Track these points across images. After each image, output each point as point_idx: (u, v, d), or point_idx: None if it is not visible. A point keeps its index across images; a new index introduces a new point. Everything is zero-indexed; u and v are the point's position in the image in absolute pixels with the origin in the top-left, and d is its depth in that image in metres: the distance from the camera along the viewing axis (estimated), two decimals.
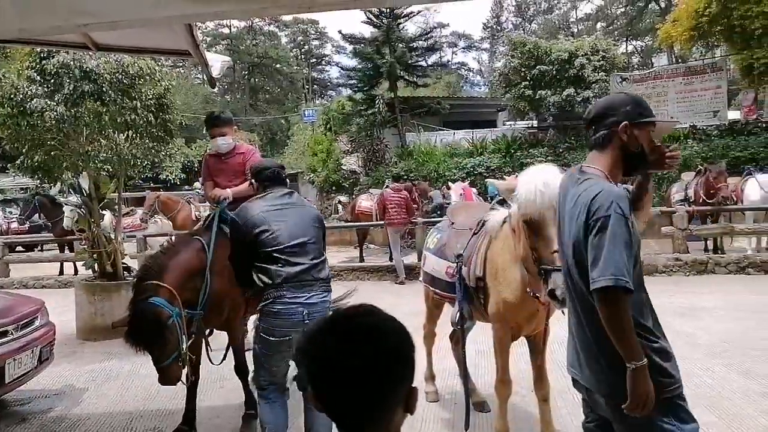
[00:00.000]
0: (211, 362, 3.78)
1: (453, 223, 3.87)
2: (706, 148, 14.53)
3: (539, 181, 2.67)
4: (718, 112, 15.66)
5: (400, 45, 20.03)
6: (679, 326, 6.07)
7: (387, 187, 11.70)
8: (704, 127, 15.74)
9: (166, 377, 3.24)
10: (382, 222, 11.34)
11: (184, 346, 3.27)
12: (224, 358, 3.85)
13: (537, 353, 3.37)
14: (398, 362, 1.09)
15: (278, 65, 48.55)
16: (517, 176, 3.08)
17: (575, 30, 41.23)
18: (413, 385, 1.10)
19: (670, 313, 6.64)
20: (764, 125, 15.46)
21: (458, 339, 4.04)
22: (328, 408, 1.06)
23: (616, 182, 1.99)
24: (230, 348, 3.94)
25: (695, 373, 4.63)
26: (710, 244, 10.72)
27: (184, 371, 3.39)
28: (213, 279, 3.60)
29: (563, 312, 2.69)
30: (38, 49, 7.81)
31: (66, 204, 10.98)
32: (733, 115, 17.41)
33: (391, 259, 10.77)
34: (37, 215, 13.23)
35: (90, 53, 6.91)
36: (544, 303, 2.98)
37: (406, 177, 15.72)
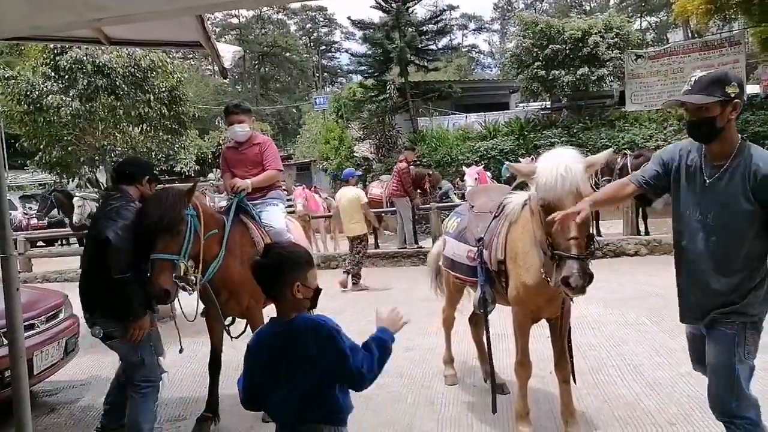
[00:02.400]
0: (231, 336, 3.82)
1: (473, 207, 3.86)
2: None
3: (561, 165, 2.63)
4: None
5: (410, 29, 19.81)
6: None
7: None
8: None
9: (156, 281, 3.05)
10: (392, 209, 11.40)
11: (186, 258, 3.21)
12: (243, 332, 3.88)
13: (558, 335, 3.36)
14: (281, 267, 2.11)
15: (288, 54, 48.46)
16: (533, 159, 3.05)
17: (588, 7, 40.47)
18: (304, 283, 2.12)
19: None
20: None
21: (477, 322, 4.05)
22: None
23: None
24: (248, 326, 3.95)
25: None
26: None
27: (177, 301, 3.32)
28: (228, 258, 3.64)
29: (572, 300, 2.69)
30: (51, 45, 7.89)
31: (78, 198, 11.10)
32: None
33: (404, 244, 10.81)
34: (55, 211, 13.43)
35: (102, 47, 6.97)
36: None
37: (419, 162, 15.64)
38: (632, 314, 5.91)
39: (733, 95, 2.37)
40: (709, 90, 2.39)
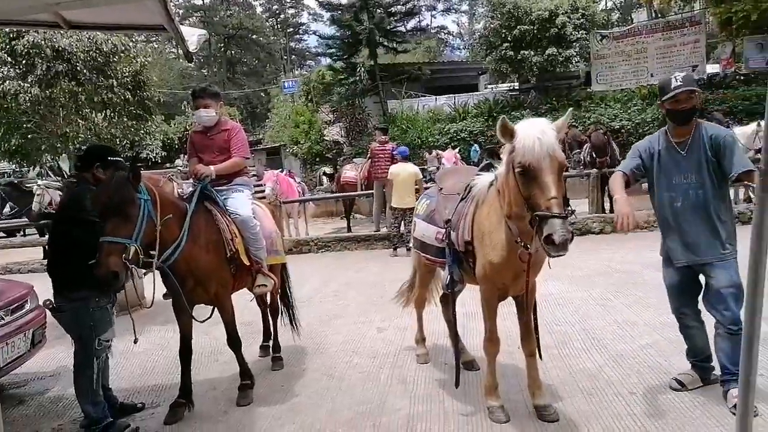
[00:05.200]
0: (196, 319, 3.83)
1: (441, 189, 3.91)
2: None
3: (537, 130, 2.72)
4: (697, 66, 15.72)
5: (378, 11, 19.64)
6: (660, 280, 6.23)
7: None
8: None
9: (103, 262, 3.06)
10: (368, 192, 11.45)
11: (138, 242, 3.21)
12: (210, 317, 3.91)
13: (524, 312, 3.46)
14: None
15: (254, 36, 47.54)
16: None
17: None
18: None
19: (652, 267, 6.80)
20: (742, 78, 15.57)
21: (448, 302, 4.13)
22: None
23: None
24: (215, 309, 3.99)
25: (674, 323, 4.76)
26: None
27: (128, 280, 3.28)
28: (192, 245, 3.64)
29: (550, 261, 2.78)
30: (6, 30, 7.58)
31: (38, 187, 10.78)
32: (711, 68, 17.48)
33: (378, 229, 10.88)
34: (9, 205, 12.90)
35: (61, 32, 6.73)
36: (524, 261, 3.04)
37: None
38: (597, 290, 6.10)
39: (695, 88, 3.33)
40: (693, 84, 3.33)
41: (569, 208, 2.69)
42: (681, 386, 3.55)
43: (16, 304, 4.34)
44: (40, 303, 3.70)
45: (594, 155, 10.32)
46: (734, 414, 2.81)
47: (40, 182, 10.83)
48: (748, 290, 2.06)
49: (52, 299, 3.56)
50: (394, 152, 10.26)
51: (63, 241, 3.54)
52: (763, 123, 9.60)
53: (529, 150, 2.68)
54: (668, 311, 5.06)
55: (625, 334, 4.68)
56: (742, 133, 9.84)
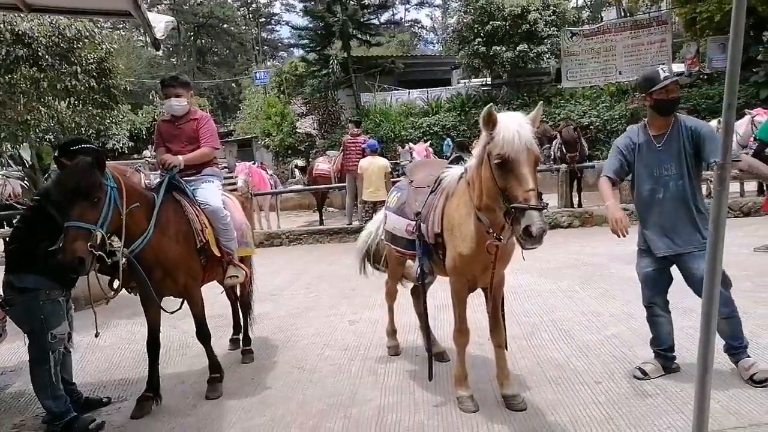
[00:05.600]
0: (165, 311, 3.78)
1: (412, 182, 3.93)
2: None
3: (516, 123, 2.75)
4: (663, 64, 16.10)
5: (352, 2, 19.57)
6: (626, 272, 6.38)
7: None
8: None
9: (69, 247, 3.01)
10: (341, 185, 11.43)
11: (104, 229, 3.17)
12: (179, 308, 3.87)
13: (492, 303, 3.50)
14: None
15: (225, 25, 46.69)
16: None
17: None
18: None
19: (619, 261, 6.98)
20: (705, 77, 16.02)
21: (419, 294, 4.16)
22: None
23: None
24: (185, 302, 3.94)
25: (638, 315, 4.87)
26: None
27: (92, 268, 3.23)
28: (160, 235, 3.59)
29: (525, 253, 2.82)
30: None
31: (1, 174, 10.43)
32: (677, 67, 17.92)
33: (350, 222, 10.87)
34: None
35: (21, 15, 6.49)
36: (491, 252, 3.07)
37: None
38: (564, 282, 6.22)
39: None
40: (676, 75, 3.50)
41: (544, 201, 2.73)
42: (644, 375, 3.65)
43: None
44: None
45: (564, 150, 10.50)
46: (754, 384, 3.31)
47: (0, 172, 10.49)
48: (706, 280, 2.14)
49: (2, 293, 3.49)
50: (364, 145, 10.26)
51: (37, 221, 3.47)
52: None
53: (509, 142, 2.70)
54: (632, 302, 5.24)
55: (591, 325, 4.79)
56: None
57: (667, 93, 3.43)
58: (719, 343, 3.42)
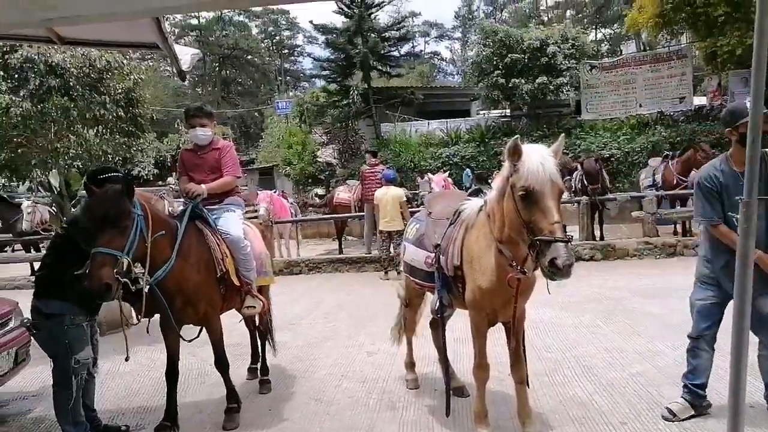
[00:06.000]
0: (184, 339, 3.78)
1: (431, 213, 3.92)
2: (674, 134, 14.91)
3: (540, 156, 2.75)
4: (684, 98, 16.04)
5: (373, 35, 19.94)
6: (649, 307, 6.27)
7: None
8: (671, 113, 16.12)
9: (95, 273, 3.05)
10: (361, 214, 11.48)
11: (129, 256, 3.20)
12: (197, 336, 3.87)
13: (513, 338, 3.45)
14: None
15: (250, 56, 47.86)
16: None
17: (545, 18, 41.52)
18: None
19: (641, 295, 6.86)
20: None
21: (438, 327, 4.11)
22: None
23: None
24: (203, 330, 3.95)
25: (664, 352, 4.81)
26: (679, 228, 11.02)
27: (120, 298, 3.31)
28: (182, 263, 3.63)
29: (549, 286, 2.77)
30: (0, 44, 7.60)
31: (29, 205, 10.60)
32: (699, 101, 17.83)
33: (369, 251, 10.87)
34: None
35: (55, 47, 6.75)
36: (513, 286, 3.04)
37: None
38: (587, 317, 6.10)
39: None
40: None
41: (568, 234, 2.71)
42: (672, 416, 3.54)
43: None
44: (22, 320, 3.70)
45: (585, 182, 10.43)
46: None
47: (28, 201, 10.70)
48: (735, 319, 2.09)
49: (30, 318, 3.57)
50: (380, 175, 10.31)
51: (66, 248, 3.54)
52: None
53: (533, 174, 2.69)
54: (657, 339, 5.12)
55: (615, 362, 4.67)
56: None
57: None
58: (756, 385, 3.31)
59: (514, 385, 3.48)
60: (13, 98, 7.36)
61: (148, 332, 3.66)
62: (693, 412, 3.55)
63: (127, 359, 3.58)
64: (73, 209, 8.05)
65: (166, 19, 3.52)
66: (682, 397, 3.62)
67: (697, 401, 3.57)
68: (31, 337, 3.94)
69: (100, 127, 7.95)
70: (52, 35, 3.78)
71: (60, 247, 3.62)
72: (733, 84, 15.72)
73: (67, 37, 3.95)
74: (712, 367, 3.58)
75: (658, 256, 9.48)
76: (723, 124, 3.50)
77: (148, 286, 3.51)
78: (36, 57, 7.64)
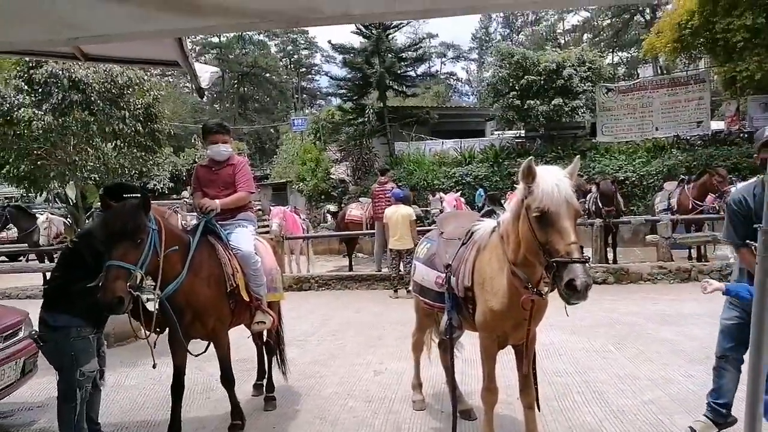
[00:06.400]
0: (191, 353, 3.78)
1: (442, 233, 3.90)
2: (690, 158, 14.78)
3: (555, 178, 2.73)
4: (701, 122, 15.92)
5: (390, 55, 20.16)
6: (662, 333, 6.16)
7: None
8: (688, 137, 15.99)
9: (109, 286, 3.07)
10: (371, 231, 11.48)
11: (143, 269, 3.22)
12: (205, 351, 3.86)
13: (523, 361, 3.39)
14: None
15: (268, 74, 48.61)
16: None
17: (562, 41, 41.74)
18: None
19: (655, 320, 6.74)
20: (746, 135, 15.72)
21: (446, 348, 4.07)
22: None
23: None
24: (211, 342, 3.95)
25: (677, 379, 4.70)
26: (694, 253, 10.86)
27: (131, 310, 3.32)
28: (192, 278, 3.64)
29: (567, 307, 2.70)
30: (26, 59, 7.81)
31: (44, 219, 10.72)
32: (716, 125, 17.69)
33: (379, 269, 10.85)
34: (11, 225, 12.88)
35: (79, 63, 6.92)
36: (527, 308, 3.00)
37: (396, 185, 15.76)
38: (598, 341, 6.00)
39: None
40: None
41: (586, 255, 2.67)
42: None
43: (9, 332, 4.29)
44: (30, 332, 3.72)
45: (600, 204, 10.35)
46: None
47: (43, 216, 10.85)
48: (751, 348, 2.04)
49: (37, 329, 3.58)
50: (389, 193, 10.33)
51: (75, 262, 3.55)
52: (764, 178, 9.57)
53: (548, 195, 2.66)
54: (669, 366, 5.01)
55: (627, 389, 4.57)
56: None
57: None
58: None
59: (522, 409, 3.41)
60: (36, 112, 7.54)
61: (155, 346, 3.65)
62: (716, 430, 3.47)
63: (154, 366, 3.63)
64: (87, 221, 8.16)
65: (188, 38, 3.58)
66: (704, 415, 3.55)
67: (720, 419, 3.50)
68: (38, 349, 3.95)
69: (118, 141, 8.11)
70: (77, 52, 3.86)
71: (69, 261, 3.65)
72: (752, 109, 15.61)
73: (90, 53, 4.03)
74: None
75: (672, 281, 9.32)
76: (758, 148, 3.45)
77: (158, 301, 3.52)
78: (60, 72, 7.84)
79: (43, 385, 5.13)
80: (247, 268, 4.02)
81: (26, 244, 11.98)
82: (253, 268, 4.04)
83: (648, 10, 34.90)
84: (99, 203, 3.86)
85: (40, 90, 7.83)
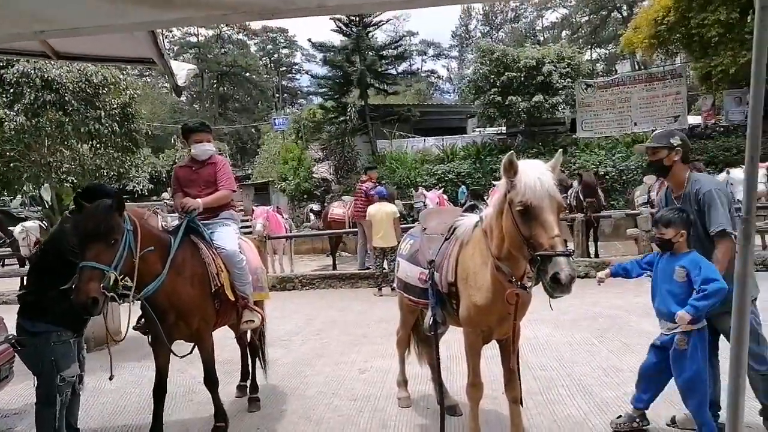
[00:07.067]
0: (176, 355, 3.71)
1: (425, 229, 3.88)
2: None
3: (537, 171, 2.72)
4: (678, 117, 16.17)
5: (370, 53, 20.12)
6: (644, 325, 6.21)
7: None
8: None
9: (83, 288, 2.99)
10: (354, 230, 11.46)
11: (117, 271, 3.14)
12: (190, 352, 3.79)
13: (507, 356, 3.39)
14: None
15: (248, 74, 48.20)
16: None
17: (541, 38, 42.08)
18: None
19: (637, 313, 6.80)
20: (722, 129, 16.02)
21: (431, 344, 4.05)
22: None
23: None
24: (196, 345, 3.89)
25: None
26: None
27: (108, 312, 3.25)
28: (175, 278, 3.57)
29: (551, 301, 2.70)
30: None
31: (20, 230, 10.46)
32: (693, 119, 17.99)
33: (363, 266, 10.82)
34: None
35: (51, 62, 6.77)
36: (512, 303, 2.99)
37: (378, 183, 15.74)
38: (581, 335, 6.04)
39: (675, 144, 3.49)
40: (659, 140, 3.56)
41: (570, 248, 2.67)
42: (673, 423, 3.56)
43: None
44: (7, 336, 3.62)
45: (582, 197, 10.47)
46: None
47: (17, 227, 10.61)
48: (733, 339, 2.04)
49: (15, 334, 3.48)
50: (370, 192, 10.31)
51: (44, 269, 3.48)
52: (732, 171, 9.73)
53: (531, 189, 2.65)
54: None
55: (610, 381, 4.61)
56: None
57: (649, 157, 3.61)
58: (754, 405, 3.27)
59: (507, 404, 3.41)
60: (8, 112, 7.36)
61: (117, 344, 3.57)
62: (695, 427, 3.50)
63: (111, 378, 3.53)
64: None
65: (165, 37, 3.51)
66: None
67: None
68: (15, 354, 3.85)
69: (94, 141, 7.95)
70: (48, 50, 3.76)
71: (39, 267, 3.57)
72: (728, 103, 15.90)
73: (62, 51, 3.94)
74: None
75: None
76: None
77: (135, 302, 3.45)
78: (32, 72, 7.66)
79: (20, 391, 5.01)
80: (232, 267, 3.97)
81: (11, 249, 11.72)
82: (238, 267, 3.99)
83: (625, 7, 35.37)
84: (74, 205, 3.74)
85: (11, 90, 7.64)
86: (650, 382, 3.58)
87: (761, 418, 3.41)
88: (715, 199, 3.25)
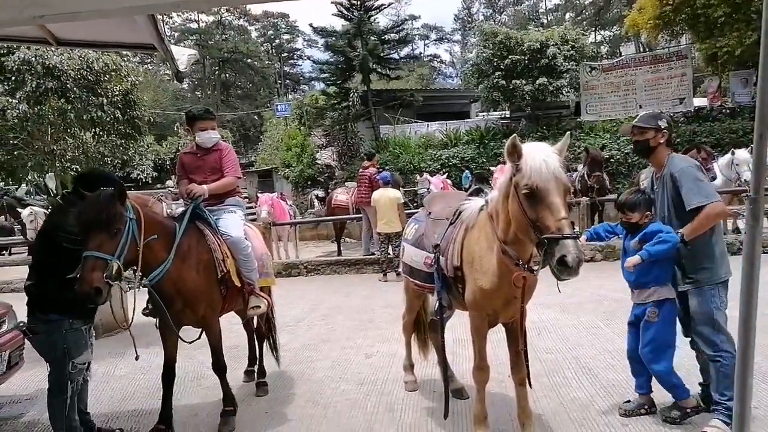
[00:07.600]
0: (184, 340, 3.73)
1: (430, 213, 3.87)
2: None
3: (543, 154, 2.70)
4: (684, 99, 16.02)
5: (372, 38, 19.94)
6: None
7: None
8: (671, 114, 16.09)
9: (85, 278, 3.01)
10: (359, 216, 11.47)
11: (120, 260, 3.14)
12: (198, 338, 3.82)
13: (514, 339, 3.39)
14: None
15: (249, 60, 47.96)
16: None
17: (545, 21, 41.63)
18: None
19: None
20: (728, 111, 15.86)
21: (437, 328, 4.06)
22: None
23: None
24: (203, 332, 3.90)
25: None
26: None
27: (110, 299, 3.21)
28: (180, 265, 3.58)
29: (558, 284, 2.69)
30: None
31: (28, 213, 10.51)
32: (699, 101, 17.82)
33: (367, 252, 10.84)
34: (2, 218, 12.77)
35: (51, 49, 6.72)
36: (519, 286, 2.99)
37: (382, 169, 15.72)
38: (587, 318, 6.05)
39: (662, 126, 3.56)
40: (647, 121, 3.60)
41: (576, 230, 2.65)
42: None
43: None
44: (18, 323, 3.62)
45: (588, 171, 10.49)
46: None
47: (26, 210, 10.65)
48: (740, 322, 2.02)
49: (26, 321, 3.48)
50: (375, 177, 10.29)
51: (47, 259, 3.45)
52: (737, 152, 9.66)
53: (536, 171, 2.63)
54: None
55: (616, 363, 4.61)
56: (724, 164, 9.95)
57: (632, 136, 3.66)
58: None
59: (514, 386, 3.43)
60: (10, 100, 7.34)
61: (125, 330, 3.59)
62: (704, 405, 3.52)
63: (137, 358, 3.57)
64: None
65: (165, 24, 3.48)
66: (718, 418, 3.38)
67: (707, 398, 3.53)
68: (26, 340, 3.88)
69: (97, 129, 7.93)
70: (48, 36, 3.74)
71: (39, 257, 3.55)
72: (734, 84, 15.72)
73: (62, 38, 3.91)
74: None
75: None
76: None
77: (139, 289, 3.46)
78: (33, 59, 7.62)
79: (31, 377, 5.06)
80: (238, 253, 3.97)
81: (22, 236, 11.77)
82: (243, 254, 4.00)
83: None
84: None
85: (12, 78, 7.61)
86: (638, 362, 3.63)
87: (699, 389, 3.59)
88: (687, 176, 3.32)
